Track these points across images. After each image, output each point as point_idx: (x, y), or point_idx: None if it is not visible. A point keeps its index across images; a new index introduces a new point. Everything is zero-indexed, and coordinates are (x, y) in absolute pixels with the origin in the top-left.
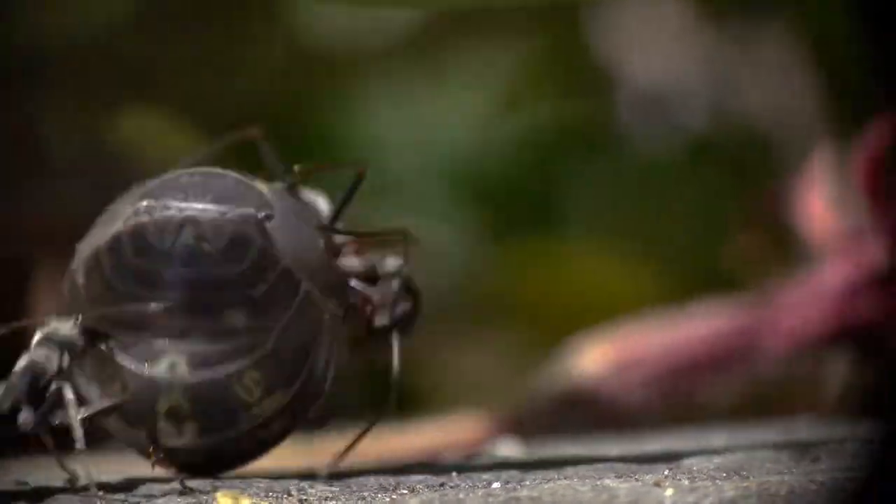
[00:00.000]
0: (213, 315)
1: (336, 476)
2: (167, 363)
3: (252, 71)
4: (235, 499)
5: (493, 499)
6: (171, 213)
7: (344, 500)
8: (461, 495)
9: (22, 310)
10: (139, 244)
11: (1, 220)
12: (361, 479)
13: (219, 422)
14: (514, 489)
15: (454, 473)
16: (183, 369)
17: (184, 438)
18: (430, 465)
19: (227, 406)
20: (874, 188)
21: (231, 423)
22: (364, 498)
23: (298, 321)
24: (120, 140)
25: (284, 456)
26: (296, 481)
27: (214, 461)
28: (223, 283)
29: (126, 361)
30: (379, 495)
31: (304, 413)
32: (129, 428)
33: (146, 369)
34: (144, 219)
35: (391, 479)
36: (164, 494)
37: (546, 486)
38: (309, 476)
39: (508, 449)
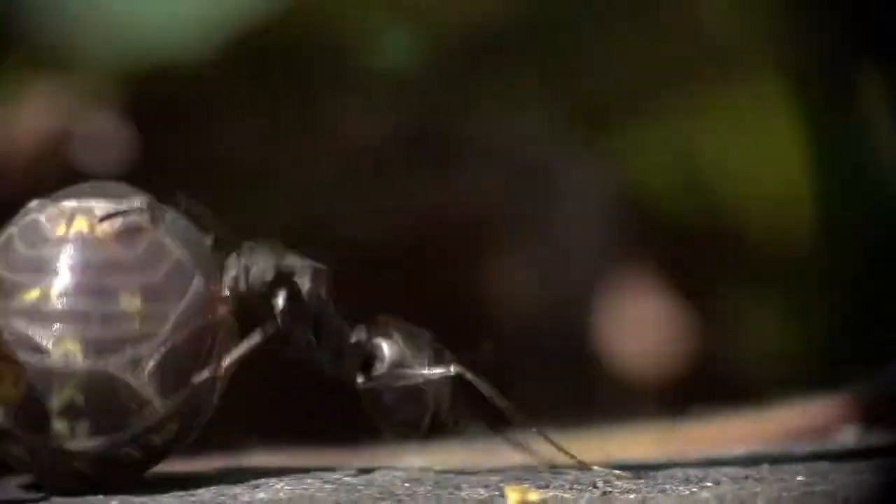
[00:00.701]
0: (108, 299)
1: (644, 468)
2: (62, 351)
3: None
4: (523, 492)
5: (787, 493)
6: (65, 205)
7: (645, 492)
8: (758, 488)
9: None
10: (32, 236)
11: None
12: (669, 472)
13: (111, 420)
14: (813, 484)
15: (766, 466)
16: (77, 357)
17: (77, 440)
18: (743, 458)
19: (119, 402)
20: None
21: (122, 422)
22: (664, 490)
23: (193, 314)
24: None
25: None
26: (602, 473)
27: (102, 468)
28: (117, 267)
29: (23, 353)
30: (679, 487)
31: (194, 420)
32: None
33: (42, 359)
34: (36, 213)
35: (699, 472)
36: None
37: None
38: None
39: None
